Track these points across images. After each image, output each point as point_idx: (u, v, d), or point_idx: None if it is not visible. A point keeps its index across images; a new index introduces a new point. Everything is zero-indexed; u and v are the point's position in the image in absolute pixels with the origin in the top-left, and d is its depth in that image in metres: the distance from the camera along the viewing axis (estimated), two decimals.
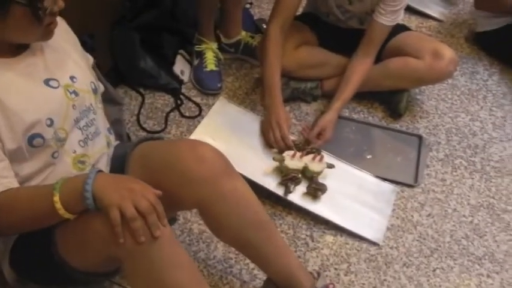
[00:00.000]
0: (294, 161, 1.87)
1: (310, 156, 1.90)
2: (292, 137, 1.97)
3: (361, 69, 2.08)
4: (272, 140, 1.94)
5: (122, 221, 1.08)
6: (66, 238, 1.23)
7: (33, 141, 1.20)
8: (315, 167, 1.87)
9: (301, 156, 1.89)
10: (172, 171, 1.35)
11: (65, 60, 1.32)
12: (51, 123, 1.22)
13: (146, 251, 1.13)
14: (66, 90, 1.27)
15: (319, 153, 1.92)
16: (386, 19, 1.99)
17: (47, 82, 1.25)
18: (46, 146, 1.22)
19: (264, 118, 2.03)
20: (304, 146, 1.96)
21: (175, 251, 1.19)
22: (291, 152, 1.89)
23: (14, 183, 1.18)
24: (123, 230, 1.09)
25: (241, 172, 1.81)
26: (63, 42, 1.34)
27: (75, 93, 1.29)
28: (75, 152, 1.30)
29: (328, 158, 1.95)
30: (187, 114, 2.21)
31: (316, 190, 1.85)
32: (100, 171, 1.15)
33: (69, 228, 1.20)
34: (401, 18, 2.04)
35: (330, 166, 1.92)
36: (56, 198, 1.09)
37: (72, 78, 1.30)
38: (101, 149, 1.38)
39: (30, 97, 1.20)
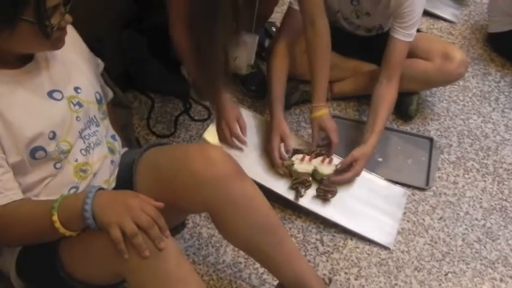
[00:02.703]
0: (303, 164, 1.86)
1: (319, 158, 1.89)
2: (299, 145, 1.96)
3: (388, 96, 1.95)
4: (279, 163, 1.88)
5: (124, 237, 1.08)
6: (71, 253, 1.22)
7: (36, 154, 1.19)
8: (324, 169, 1.86)
9: (310, 160, 1.88)
10: (182, 174, 1.34)
11: (71, 70, 1.31)
12: (53, 136, 1.21)
13: (152, 266, 1.12)
14: (70, 102, 1.27)
15: (328, 156, 1.91)
16: (404, 33, 1.90)
17: (50, 94, 1.24)
18: (48, 158, 1.22)
19: (267, 136, 1.96)
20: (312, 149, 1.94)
21: (181, 265, 1.18)
22: (300, 156, 1.88)
23: (19, 195, 1.17)
24: (128, 247, 1.09)
25: (251, 176, 1.81)
26: (69, 51, 1.32)
27: (79, 104, 1.29)
28: (76, 160, 1.29)
29: (337, 160, 1.94)
30: (196, 117, 2.21)
31: (326, 192, 1.84)
32: (101, 188, 1.14)
33: (73, 244, 1.20)
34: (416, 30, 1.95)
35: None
36: (55, 217, 1.10)
37: (76, 89, 1.30)
38: (101, 157, 1.37)
39: (32, 111, 1.19)
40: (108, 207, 1.10)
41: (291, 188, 1.87)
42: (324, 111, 1.90)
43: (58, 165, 1.25)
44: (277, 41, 2.04)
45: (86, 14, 1.77)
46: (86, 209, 1.08)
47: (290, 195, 1.86)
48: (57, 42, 1.20)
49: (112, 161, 1.42)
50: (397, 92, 1.98)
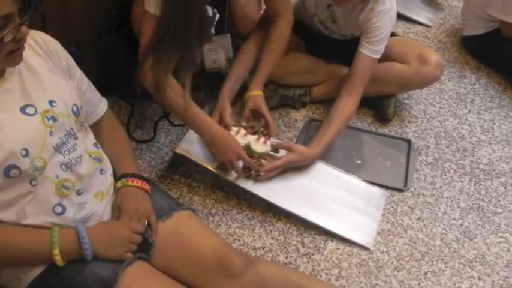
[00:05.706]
0: (237, 137, 1.83)
1: (256, 136, 1.88)
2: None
3: (345, 110, 1.95)
4: None
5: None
6: None
7: (9, 172, 1.16)
8: (257, 147, 1.84)
9: (245, 134, 1.87)
10: (195, 269, 1.46)
11: (45, 83, 1.26)
12: (26, 153, 1.17)
13: None
14: (43, 116, 1.22)
15: (265, 136, 1.89)
16: (371, 49, 1.92)
17: (23, 110, 1.20)
18: (23, 175, 1.18)
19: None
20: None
21: None
22: (236, 128, 1.87)
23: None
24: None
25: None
26: (45, 63, 1.28)
27: (53, 119, 1.24)
28: (57, 177, 1.25)
29: (317, 163, 1.95)
30: (176, 122, 2.20)
31: (249, 170, 1.83)
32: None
33: None
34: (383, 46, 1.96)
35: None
36: (56, 251, 1.21)
37: (51, 102, 1.25)
38: (87, 172, 1.33)
39: (3, 129, 1.15)
40: (107, 245, 1.29)
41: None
42: (260, 93, 1.95)
43: (34, 182, 1.21)
44: (249, 38, 2.08)
45: (64, 19, 1.77)
46: (86, 252, 1.25)
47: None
48: (13, 58, 1.13)
49: (101, 170, 1.39)
50: (356, 108, 1.98)
